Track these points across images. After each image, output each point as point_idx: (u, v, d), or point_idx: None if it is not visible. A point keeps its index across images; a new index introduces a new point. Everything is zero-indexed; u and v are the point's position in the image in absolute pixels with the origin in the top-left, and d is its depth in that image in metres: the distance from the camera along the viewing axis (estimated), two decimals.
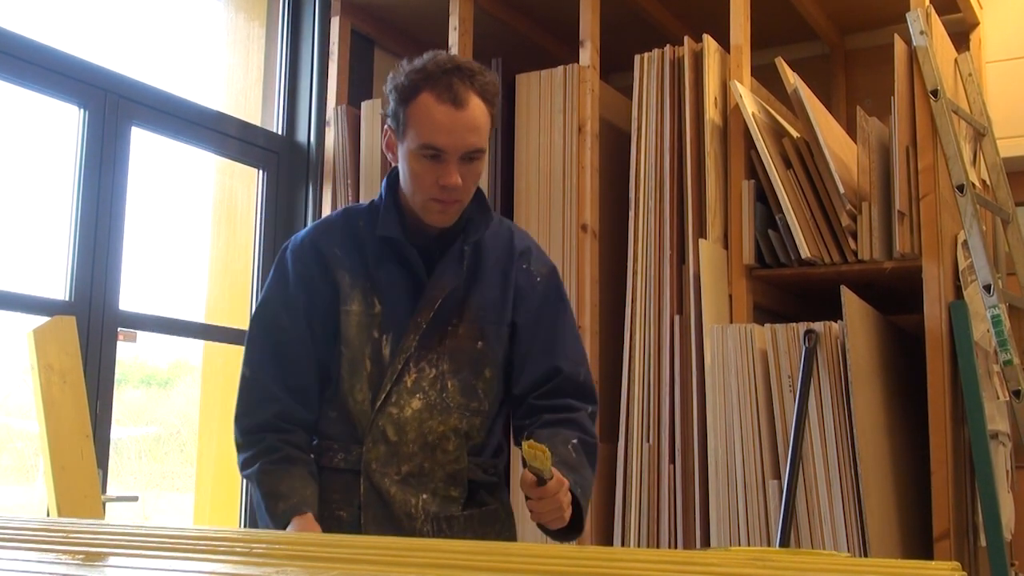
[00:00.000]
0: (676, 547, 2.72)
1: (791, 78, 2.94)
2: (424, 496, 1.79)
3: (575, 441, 1.77)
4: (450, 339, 1.82)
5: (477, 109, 1.74)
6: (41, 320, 2.08)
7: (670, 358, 2.83)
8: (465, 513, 1.82)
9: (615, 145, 3.18)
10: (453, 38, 3.31)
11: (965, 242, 2.75)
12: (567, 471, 1.68)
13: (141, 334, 3.01)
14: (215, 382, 3.41)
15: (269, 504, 1.73)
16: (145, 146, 3.07)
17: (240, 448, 1.82)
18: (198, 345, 3.43)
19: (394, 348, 1.80)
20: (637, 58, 3.05)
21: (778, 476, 2.56)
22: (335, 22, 3.54)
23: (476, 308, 1.84)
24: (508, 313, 1.86)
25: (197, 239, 3.43)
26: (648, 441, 2.81)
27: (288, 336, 1.83)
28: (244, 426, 1.82)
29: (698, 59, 2.98)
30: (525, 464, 1.56)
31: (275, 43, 3.60)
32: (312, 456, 1.83)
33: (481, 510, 1.85)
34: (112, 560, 0.95)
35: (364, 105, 3.47)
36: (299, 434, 1.82)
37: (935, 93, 2.72)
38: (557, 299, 1.92)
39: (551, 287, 1.92)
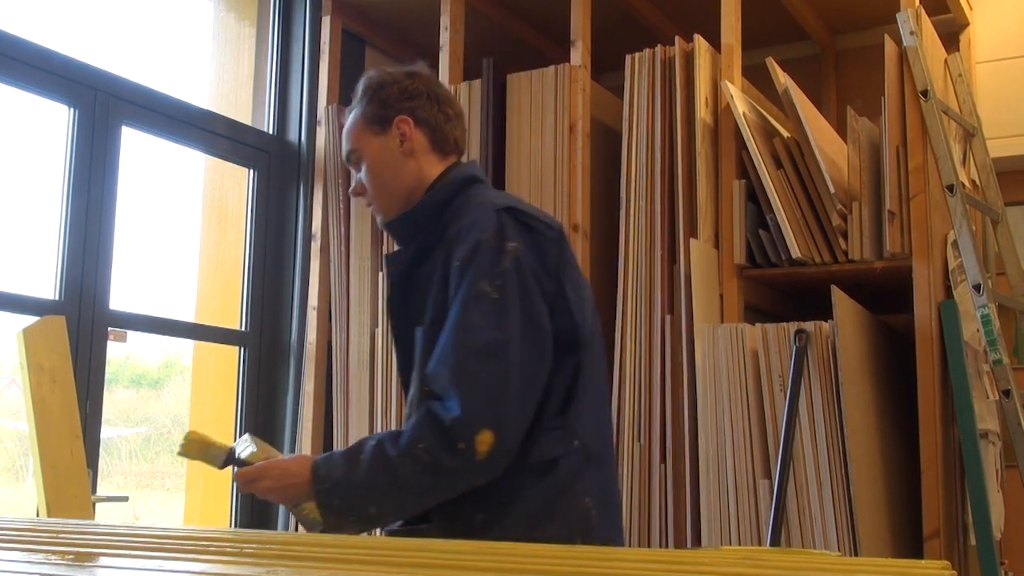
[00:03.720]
0: (667, 546, 2.72)
1: (782, 78, 2.95)
2: None
3: (364, 444, 1.65)
4: (412, 350, 1.77)
5: (350, 118, 1.87)
6: (31, 319, 2.07)
7: (661, 358, 2.83)
8: (421, 527, 1.71)
9: (606, 145, 3.18)
10: (444, 38, 3.31)
11: (955, 242, 2.76)
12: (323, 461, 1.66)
13: (131, 333, 3.00)
14: (206, 382, 3.41)
15: None
16: (135, 145, 3.07)
17: None
18: (188, 345, 3.42)
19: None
20: (628, 58, 3.05)
21: (769, 476, 2.57)
22: (326, 21, 3.53)
23: (415, 315, 1.77)
24: (423, 315, 1.71)
25: (187, 238, 3.43)
26: (639, 441, 2.81)
27: None
28: None
29: (689, 59, 2.98)
30: None
31: (266, 42, 3.59)
32: None
33: (444, 526, 1.68)
34: (102, 560, 0.95)
35: None
36: None
37: (925, 93, 2.73)
38: (464, 286, 1.63)
39: (462, 271, 1.64)
